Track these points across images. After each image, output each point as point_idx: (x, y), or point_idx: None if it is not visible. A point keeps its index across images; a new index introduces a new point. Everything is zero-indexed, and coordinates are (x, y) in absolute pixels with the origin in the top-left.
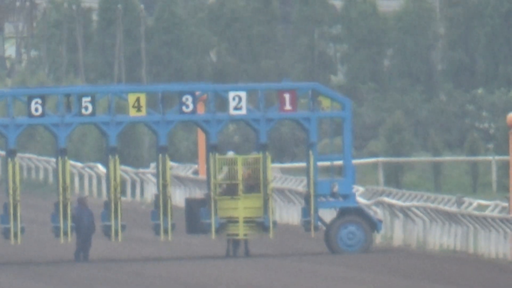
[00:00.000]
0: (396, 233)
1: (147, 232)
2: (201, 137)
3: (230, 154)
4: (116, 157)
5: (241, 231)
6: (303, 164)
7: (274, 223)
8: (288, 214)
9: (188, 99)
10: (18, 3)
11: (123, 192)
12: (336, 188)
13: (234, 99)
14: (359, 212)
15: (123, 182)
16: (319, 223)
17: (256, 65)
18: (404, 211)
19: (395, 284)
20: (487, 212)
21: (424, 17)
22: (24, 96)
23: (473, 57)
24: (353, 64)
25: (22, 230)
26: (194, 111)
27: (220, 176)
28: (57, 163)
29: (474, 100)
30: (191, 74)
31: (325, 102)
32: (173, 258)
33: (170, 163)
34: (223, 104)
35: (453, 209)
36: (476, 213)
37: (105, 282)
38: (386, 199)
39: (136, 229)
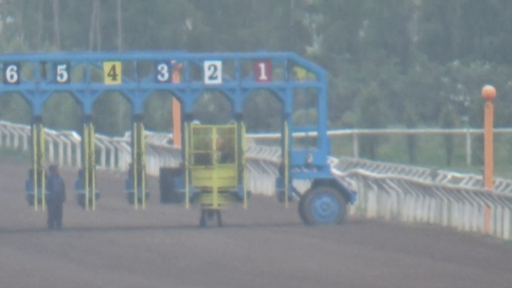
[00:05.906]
0: (370, 204)
1: (121, 200)
2: (176, 106)
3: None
4: (91, 125)
5: (215, 201)
6: (277, 135)
7: (248, 193)
8: (262, 184)
9: (163, 68)
10: None
11: (98, 161)
12: (310, 159)
13: (209, 68)
14: (333, 183)
15: (97, 151)
16: (293, 194)
17: (231, 34)
18: (378, 182)
19: (368, 255)
20: (462, 185)
21: None
22: None
23: (448, 28)
24: (329, 35)
25: None
26: (169, 80)
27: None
28: (31, 130)
29: (449, 73)
30: (167, 42)
31: (300, 73)
32: (146, 227)
33: (145, 132)
34: (198, 73)
35: (427, 181)
36: (450, 185)
37: (78, 250)
38: (361, 171)
39: (110, 198)
